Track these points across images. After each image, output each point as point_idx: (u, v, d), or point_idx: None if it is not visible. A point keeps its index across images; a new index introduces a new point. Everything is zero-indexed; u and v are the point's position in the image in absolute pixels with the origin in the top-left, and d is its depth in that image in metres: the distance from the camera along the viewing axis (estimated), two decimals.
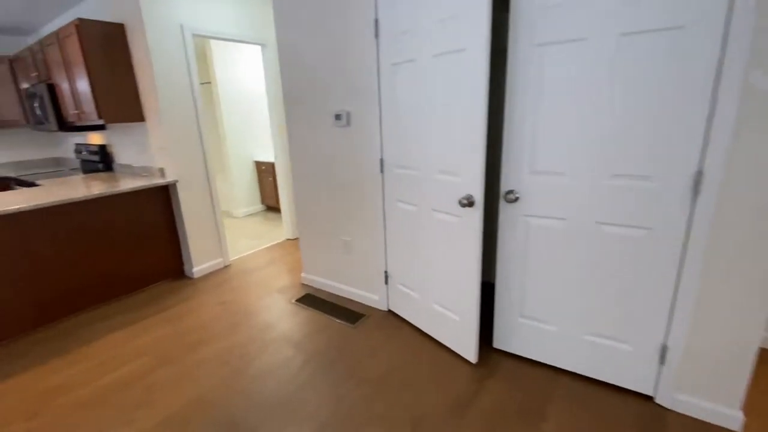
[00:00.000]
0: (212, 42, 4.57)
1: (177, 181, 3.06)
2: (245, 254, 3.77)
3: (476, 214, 1.77)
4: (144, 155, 3.29)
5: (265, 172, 5.15)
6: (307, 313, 2.62)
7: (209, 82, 5.07)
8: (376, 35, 2.08)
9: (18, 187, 3.59)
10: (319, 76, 2.42)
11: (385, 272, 2.51)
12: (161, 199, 3.12)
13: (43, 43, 3.15)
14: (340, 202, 2.60)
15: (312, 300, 2.79)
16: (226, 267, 3.48)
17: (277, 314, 2.62)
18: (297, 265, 3.44)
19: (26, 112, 3.93)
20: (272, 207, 5.37)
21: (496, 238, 2.49)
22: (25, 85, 3.72)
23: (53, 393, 1.95)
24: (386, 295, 2.56)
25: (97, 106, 2.82)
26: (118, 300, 2.93)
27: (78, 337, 2.46)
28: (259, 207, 5.47)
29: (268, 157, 5.15)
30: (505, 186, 1.80)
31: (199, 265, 3.31)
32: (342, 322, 2.48)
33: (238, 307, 2.75)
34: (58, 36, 2.91)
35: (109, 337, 2.43)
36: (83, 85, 2.84)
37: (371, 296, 2.65)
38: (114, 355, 2.25)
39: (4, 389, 1.99)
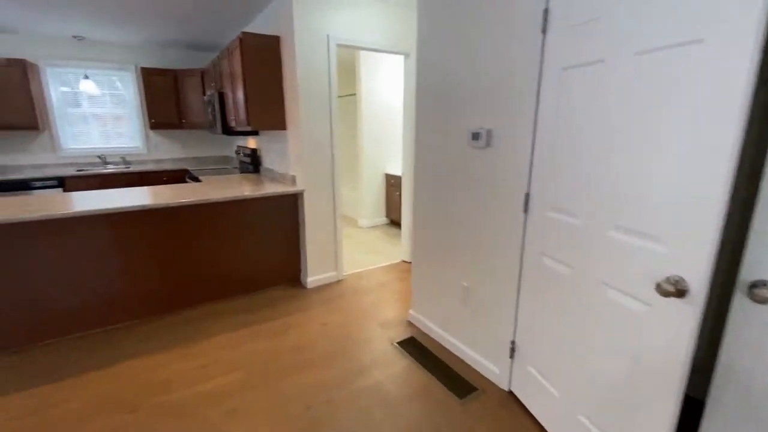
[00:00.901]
0: (361, 54, 4.63)
1: (304, 190, 3.05)
2: (359, 270, 3.60)
3: (688, 312, 1.07)
4: (283, 162, 3.42)
5: (393, 186, 5.00)
6: (407, 364, 2.20)
7: (354, 94, 5.19)
8: (544, 30, 1.53)
9: (189, 180, 4.21)
10: (457, 85, 1.99)
11: (512, 342, 1.91)
12: (289, 206, 3.17)
13: (220, 57, 3.57)
14: (464, 238, 2.11)
15: (416, 347, 2.37)
16: (338, 282, 3.35)
17: (375, 356, 2.29)
18: (407, 295, 3.07)
19: (205, 116, 4.61)
20: (396, 222, 5.18)
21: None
22: (208, 93, 4.35)
23: (155, 389, 2.01)
24: (509, 372, 1.96)
25: (248, 114, 2.99)
26: (238, 297, 3.06)
27: (195, 329, 2.59)
28: (384, 220, 5.35)
29: (397, 170, 4.98)
30: (750, 272, 1.04)
31: (314, 275, 3.25)
32: (448, 391, 1.98)
33: (339, 333, 2.52)
34: (228, 50, 3.21)
35: (218, 338, 2.48)
36: (240, 94, 3.06)
37: (489, 366, 2.08)
38: (216, 359, 2.25)
39: (120, 372, 2.15)
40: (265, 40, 2.95)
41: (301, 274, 3.34)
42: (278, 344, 2.41)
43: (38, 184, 4.01)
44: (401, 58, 4.57)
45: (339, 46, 2.97)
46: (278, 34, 3.00)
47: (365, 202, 5.14)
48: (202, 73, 4.62)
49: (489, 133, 1.85)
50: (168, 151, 5.13)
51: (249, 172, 4.12)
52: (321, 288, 3.23)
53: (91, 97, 4.63)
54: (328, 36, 2.87)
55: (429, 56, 2.18)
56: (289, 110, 3.06)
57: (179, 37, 4.33)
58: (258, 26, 3.52)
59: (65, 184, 4.14)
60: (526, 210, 1.73)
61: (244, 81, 2.92)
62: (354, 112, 5.25)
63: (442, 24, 2.05)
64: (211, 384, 2.04)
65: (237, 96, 3.19)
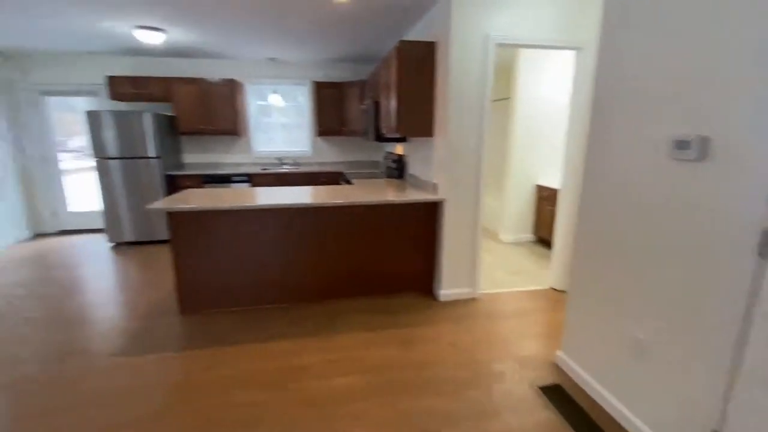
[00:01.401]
0: (522, 54, 4.24)
1: (445, 199, 2.92)
2: (498, 291, 3.27)
3: None
4: (427, 169, 3.37)
5: (545, 200, 4.43)
6: (549, 418, 1.83)
7: (507, 98, 4.82)
8: None
9: (342, 182, 4.58)
10: (656, 77, 1.53)
11: None
12: (429, 214, 3.10)
13: (378, 67, 3.76)
14: (647, 276, 1.62)
15: (562, 398, 1.96)
16: (473, 299, 3.11)
17: (509, 396, 1.99)
18: (555, 331, 2.61)
19: (361, 124, 4.96)
20: (544, 240, 4.58)
21: None
22: (365, 103, 4.66)
23: (293, 373, 2.17)
24: None
25: (398, 121, 3.04)
26: (375, 297, 3.13)
27: (334, 322, 2.74)
28: (529, 236, 4.80)
29: (552, 182, 4.38)
30: None
31: (448, 288, 3.09)
32: None
33: (468, 358, 2.30)
34: (386, 59, 3.34)
35: (352, 335, 2.56)
36: (393, 102, 3.13)
37: None
38: (347, 356, 2.32)
39: (268, 350, 2.41)
40: (421, 46, 2.94)
41: (435, 285, 3.22)
42: (405, 355, 2.34)
43: (235, 178, 5.00)
44: (570, 54, 4.00)
45: (499, 46, 2.74)
46: (434, 40, 2.95)
47: (509, 214, 4.71)
48: (363, 85, 4.99)
49: (705, 142, 1.35)
50: (329, 155, 5.75)
51: (394, 178, 4.24)
52: (454, 303, 3.05)
53: (278, 109, 5.54)
54: (487, 36, 2.67)
55: (619, 44, 1.76)
56: (438, 117, 2.98)
57: (347, 53, 4.77)
58: (416, 34, 3.57)
59: (252, 179, 5.04)
60: (763, 253, 1.19)
61: (398, 88, 2.97)
62: (504, 117, 4.88)
63: (640, 6, 1.62)
64: (340, 381, 2.10)
65: (390, 104, 3.28)
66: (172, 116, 4.93)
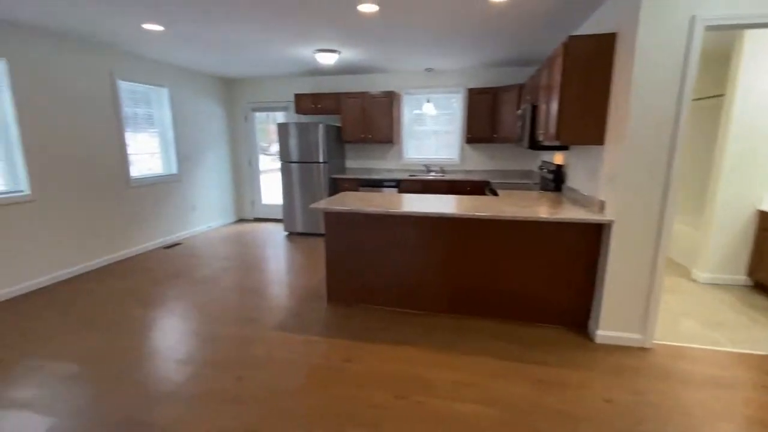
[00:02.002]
0: (747, 38, 3.21)
1: (614, 221, 2.42)
2: (683, 345, 2.54)
3: None
4: (591, 183, 2.88)
5: None
6: None
7: (721, 95, 3.72)
8: None
9: (488, 192, 4.35)
10: None
11: None
12: (590, 236, 2.63)
13: (539, 68, 3.41)
14: None
15: None
16: (642, 349, 2.49)
17: None
18: None
19: (515, 130, 4.61)
20: (765, 286, 3.35)
21: None
22: (521, 107, 4.31)
23: (419, 385, 2.13)
24: None
25: (558, 127, 2.68)
26: (511, 322, 2.85)
27: (465, 340, 2.60)
28: (742, 279, 3.59)
29: None
30: None
31: (607, 329, 2.56)
32: None
33: (633, 426, 1.83)
34: (549, 59, 2.99)
35: (483, 360, 2.37)
36: (554, 105, 2.78)
37: None
38: (475, 382, 2.16)
39: (399, 355, 2.43)
40: (595, 40, 2.51)
41: (590, 322, 2.72)
42: (541, 398, 2.02)
43: (386, 183, 5.33)
44: None
45: (709, 29, 2.11)
46: (615, 30, 2.48)
47: (712, 246, 3.61)
48: (520, 88, 4.64)
49: None
50: (477, 163, 5.56)
51: (549, 190, 3.78)
52: (614, 349, 2.50)
53: (430, 117, 5.67)
54: (692, 18, 2.09)
55: None
56: (613, 121, 2.49)
57: (504, 56, 4.52)
58: (589, 28, 3.09)
59: (400, 185, 5.28)
60: None
61: (561, 90, 2.61)
62: (710, 120, 3.78)
63: None
64: (466, 408, 1.96)
65: (550, 108, 2.93)
66: (339, 127, 5.60)
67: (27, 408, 1.96)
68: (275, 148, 6.57)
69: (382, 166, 5.93)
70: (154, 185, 4.86)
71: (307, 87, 5.95)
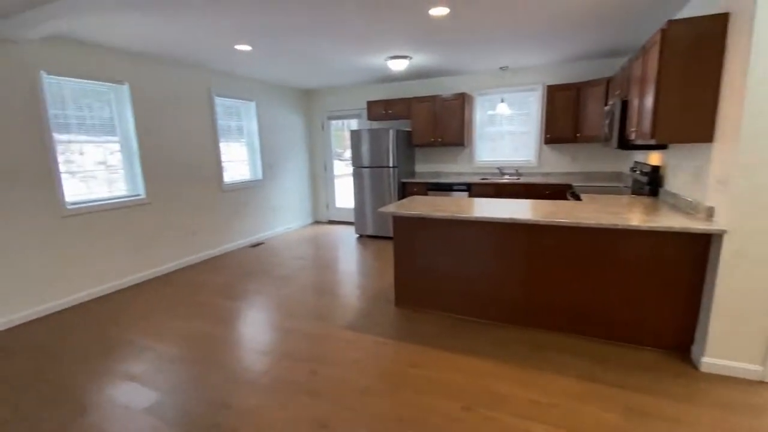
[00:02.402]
0: None
1: (725, 231, 2.08)
2: None
3: None
4: (695, 186, 2.51)
5: None
6: None
7: None
8: None
9: (569, 197, 4.02)
10: None
11: None
12: (694, 248, 2.29)
13: (631, 59, 3.07)
14: None
15: None
16: (762, 384, 2.10)
17: None
18: None
19: (601, 129, 4.20)
20: None
21: None
22: (609, 103, 3.93)
23: (489, 400, 2.04)
24: None
25: (654, 123, 2.38)
26: (593, 339, 2.60)
27: (540, 356, 2.43)
28: None
29: None
30: None
31: (716, 357, 2.21)
32: None
33: None
34: (644, 48, 2.68)
35: (563, 381, 2.19)
36: (649, 99, 2.48)
37: None
38: (554, 404, 2.00)
39: (465, 366, 2.35)
40: (701, 23, 2.18)
41: (694, 346, 2.36)
42: (633, 429, 1.80)
43: (456, 187, 5.23)
44: None
45: None
46: (726, 10, 2.14)
47: None
48: (607, 82, 4.22)
49: None
50: (556, 165, 5.19)
51: (642, 194, 3.38)
52: (725, 380, 2.14)
53: (504, 118, 5.44)
54: None
55: None
56: (725, 115, 2.14)
57: (589, 48, 4.16)
58: (692, 10, 2.70)
59: (471, 189, 5.14)
60: None
61: (658, 82, 2.32)
62: None
63: None
64: (543, 430, 1.83)
65: (644, 102, 2.62)
66: (409, 131, 5.64)
67: (136, 381, 2.29)
68: (349, 153, 6.85)
69: (452, 169, 5.83)
70: (242, 190, 5.37)
71: (379, 94, 6.10)
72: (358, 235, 5.86)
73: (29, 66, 3.11)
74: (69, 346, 2.72)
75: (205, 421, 1.94)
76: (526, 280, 2.77)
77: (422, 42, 3.74)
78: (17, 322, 3.08)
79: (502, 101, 5.29)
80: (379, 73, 5.27)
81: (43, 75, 3.20)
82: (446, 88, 5.63)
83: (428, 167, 5.99)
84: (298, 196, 6.61)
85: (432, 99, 5.35)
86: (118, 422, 1.95)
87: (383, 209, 3.03)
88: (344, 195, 6.89)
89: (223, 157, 5.04)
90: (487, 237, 2.83)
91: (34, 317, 3.19)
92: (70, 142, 3.47)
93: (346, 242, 5.52)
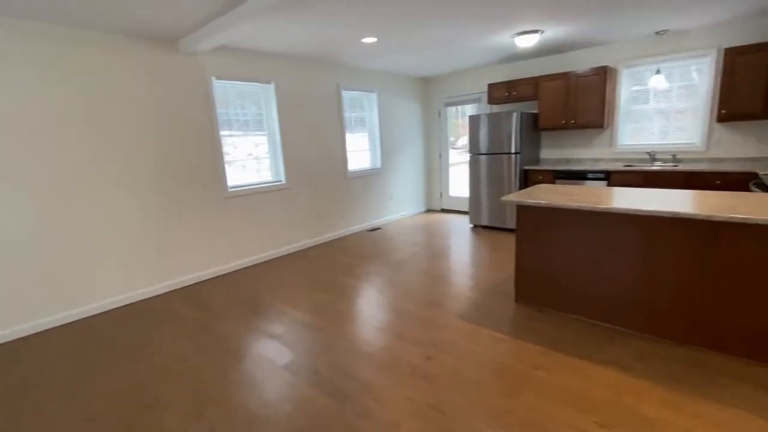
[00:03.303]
0: None
1: None
2: None
3: None
4: None
5: None
6: None
7: None
8: None
9: (754, 188, 3.16)
10: None
11: None
12: None
13: None
14: None
15: None
16: None
17: None
18: None
19: None
20: None
21: None
22: None
23: (630, 420, 1.76)
24: None
25: None
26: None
27: (711, 380, 1.99)
28: None
29: None
30: None
31: None
32: None
33: None
34: None
35: (738, 414, 1.76)
36: None
37: None
38: None
39: (603, 377, 2.05)
40: None
41: None
42: None
43: (589, 175, 4.61)
44: None
45: None
46: None
47: None
48: None
49: None
50: (732, 149, 4.13)
51: None
52: None
53: (657, 93, 4.55)
54: None
55: None
56: None
57: None
58: None
59: (610, 178, 4.47)
60: None
61: None
62: None
63: None
64: None
65: None
66: (535, 114, 5.16)
67: (276, 340, 2.64)
68: (462, 141, 6.66)
69: (586, 155, 5.15)
70: (363, 177, 5.70)
71: (500, 75, 5.72)
72: (472, 225, 5.68)
73: (204, 73, 3.79)
74: (225, 304, 3.29)
75: (331, 384, 2.13)
76: (687, 288, 2.28)
77: (559, 10, 3.34)
78: (198, 279, 3.87)
79: (658, 72, 4.41)
80: (503, 53, 4.93)
81: (213, 80, 3.87)
82: (582, 62, 4.96)
83: (556, 153, 5.41)
84: (412, 184, 6.71)
85: (564, 76, 4.78)
86: (264, 372, 2.29)
87: (506, 198, 2.84)
88: (457, 184, 6.74)
89: (348, 147, 5.40)
90: (635, 233, 2.41)
91: (198, 280, 3.96)
92: (231, 136, 4.14)
93: (459, 231, 5.41)
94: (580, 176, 4.68)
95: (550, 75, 4.90)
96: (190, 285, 3.81)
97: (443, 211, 6.93)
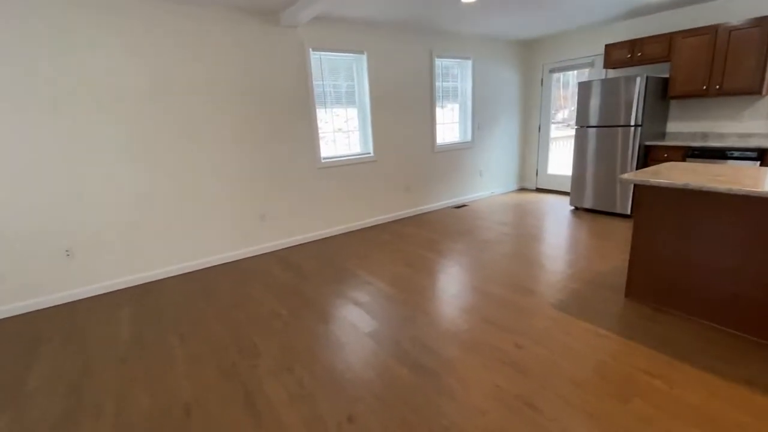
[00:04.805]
0: None
1: None
2: None
3: None
4: None
5: None
6: None
7: None
8: None
9: None
10: None
11: None
12: None
13: None
14: None
15: None
16: None
17: None
18: None
19: None
20: None
21: None
22: None
23: None
24: None
25: None
26: None
27: None
28: None
29: None
30: None
31: None
32: None
33: None
34: None
35: None
36: None
37: None
38: None
39: (751, 401, 1.67)
40: None
41: None
42: None
43: (735, 154, 3.75)
44: None
45: None
46: None
47: None
48: None
49: None
50: None
51: None
52: None
53: None
54: None
55: None
56: None
57: None
58: None
59: (765, 157, 3.58)
60: None
61: None
62: None
63: None
64: None
65: None
66: (664, 79, 4.32)
67: (360, 307, 2.70)
68: (562, 114, 5.94)
69: (731, 129, 4.19)
70: (451, 151, 5.46)
71: (620, 35, 4.88)
72: (573, 207, 5.11)
73: (302, 45, 3.90)
74: (315, 270, 3.46)
75: (411, 356, 2.10)
76: None
77: None
78: (290, 244, 4.16)
79: None
80: (625, 6, 4.17)
81: (310, 51, 3.96)
82: (733, 12, 3.96)
83: (688, 126, 4.51)
84: (505, 159, 6.25)
85: (711, 30, 3.88)
86: (348, 336, 2.36)
87: (626, 177, 2.43)
88: (555, 161, 6.10)
89: (437, 120, 5.19)
90: None
91: (292, 244, 4.23)
92: (325, 107, 4.25)
93: (557, 214, 4.91)
94: (719, 154, 3.84)
95: (690, 30, 4.02)
96: (285, 248, 4.11)
97: (538, 190, 6.37)
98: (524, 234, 4.13)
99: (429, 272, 3.26)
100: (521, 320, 2.43)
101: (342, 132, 4.49)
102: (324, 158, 4.29)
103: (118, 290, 3.25)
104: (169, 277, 3.48)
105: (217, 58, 3.44)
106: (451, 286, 2.98)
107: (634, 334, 2.21)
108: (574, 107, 5.64)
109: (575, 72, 5.58)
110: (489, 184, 6.12)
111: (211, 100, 3.48)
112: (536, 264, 3.30)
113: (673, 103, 4.57)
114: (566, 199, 5.53)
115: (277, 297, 2.96)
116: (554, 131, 6.09)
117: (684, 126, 4.53)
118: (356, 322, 2.53)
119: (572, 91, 5.72)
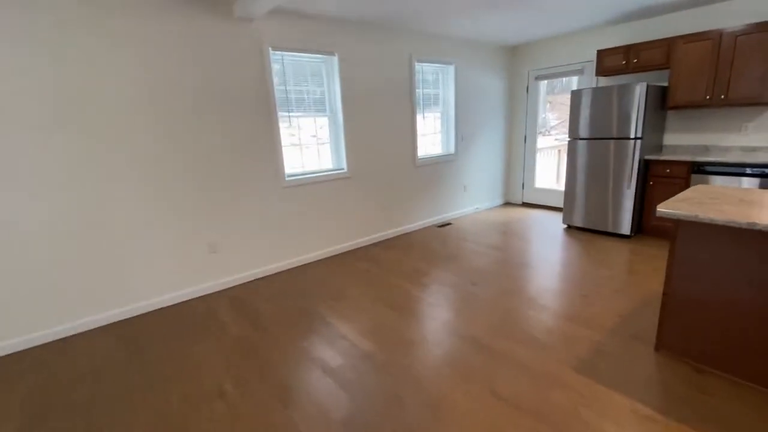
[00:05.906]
0: None
1: None
2: None
3: None
4: None
5: None
6: None
7: None
8: None
9: None
10: None
11: None
12: None
13: None
14: None
15: None
16: None
17: None
18: None
19: None
20: None
21: None
22: None
23: None
24: None
25: None
26: None
27: None
28: None
29: None
30: None
31: None
32: None
33: None
34: None
35: None
36: None
37: None
38: None
39: None
40: None
41: None
42: None
43: (748, 171, 3.42)
44: None
45: None
46: None
47: None
48: None
49: None
50: None
51: None
52: None
53: None
54: None
55: None
56: None
57: None
58: None
59: None
60: None
61: None
62: None
63: None
64: None
65: None
66: (662, 87, 3.99)
67: (331, 376, 2.09)
68: (549, 123, 5.58)
69: (734, 142, 3.89)
70: (434, 165, 4.95)
71: (613, 39, 4.54)
72: (565, 225, 4.70)
73: (260, 42, 3.28)
74: (277, 316, 2.83)
75: None
76: None
77: None
78: (248, 279, 3.49)
79: None
80: (619, 9, 3.81)
81: (270, 51, 3.34)
82: (738, 15, 3.67)
83: (686, 139, 4.19)
84: (490, 173, 5.81)
85: (713, 35, 3.56)
86: (314, 429, 1.74)
87: (665, 210, 1.94)
88: (543, 174, 5.73)
89: (418, 130, 4.67)
90: None
91: (251, 278, 3.56)
92: (289, 116, 3.63)
93: (550, 233, 4.48)
94: (731, 171, 3.50)
95: (692, 35, 3.69)
96: (242, 284, 3.44)
97: (525, 205, 5.96)
98: (519, 260, 3.65)
99: (416, 317, 2.70)
100: (538, 392, 1.90)
101: (314, 143, 3.89)
102: (289, 176, 3.67)
103: (7, 355, 2.50)
104: (78, 334, 2.73)
105: (153, 57, 2.77)
106: (445, 339, 2.42)
107: (683, 413, 1.72)
108: (560, 117, 5.28)
109: (564, 80, 5.22)
110: (473, 199, 5.65)
111: (144, 109, 2.80)
112: (542, 304, 2.80)
113: (671, 113, 4.24)
114: (556, 216, 5.13)
115: (225, 360, 2.31)
116: (542, 141, 5.72)
117: (683, 138, 4.21)
118: (325, 402, 1.92)
119: (561, 100, 5.37)
